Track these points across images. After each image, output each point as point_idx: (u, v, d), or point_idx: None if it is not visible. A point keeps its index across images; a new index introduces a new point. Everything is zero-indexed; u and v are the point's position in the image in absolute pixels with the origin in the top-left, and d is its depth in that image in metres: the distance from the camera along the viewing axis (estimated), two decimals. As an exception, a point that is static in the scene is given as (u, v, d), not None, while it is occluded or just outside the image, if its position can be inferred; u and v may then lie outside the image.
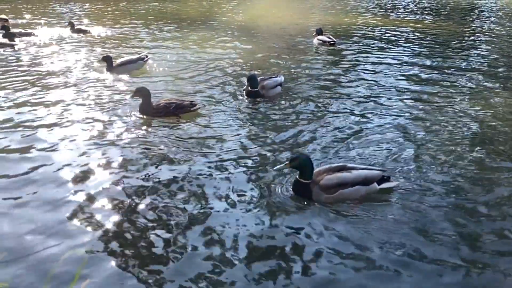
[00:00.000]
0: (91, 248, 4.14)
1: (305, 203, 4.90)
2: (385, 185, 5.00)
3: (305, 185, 4.85)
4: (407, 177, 5.51)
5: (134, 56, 10.95)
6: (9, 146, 6.32)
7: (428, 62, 12.12)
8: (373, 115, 7.86)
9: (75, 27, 16.07)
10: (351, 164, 5.25)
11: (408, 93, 9.25)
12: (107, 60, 10.46)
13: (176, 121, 7.43)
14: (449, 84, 9.94)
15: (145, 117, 7.53)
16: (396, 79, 10.33)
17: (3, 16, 19.07)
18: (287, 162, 5.01)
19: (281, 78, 9.17)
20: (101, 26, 17.77)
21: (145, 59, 10.80)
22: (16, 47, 13.20)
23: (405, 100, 8.73)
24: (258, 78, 8.79)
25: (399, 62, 12.08)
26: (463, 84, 9.98)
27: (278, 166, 5.22)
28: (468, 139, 6.80)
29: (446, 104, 8.50)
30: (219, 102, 8.53)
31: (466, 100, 8.77)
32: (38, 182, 5.30)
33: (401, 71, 11.13)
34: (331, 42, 14.05)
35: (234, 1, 30.13)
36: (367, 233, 4.43)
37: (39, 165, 5.75)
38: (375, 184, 4.92)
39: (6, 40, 13.53)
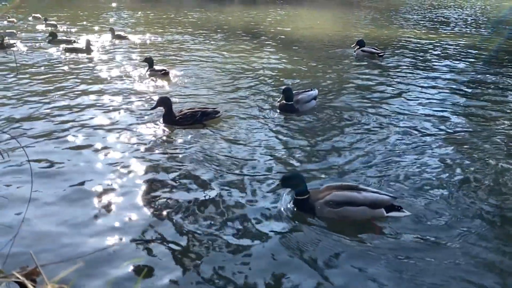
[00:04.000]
0: (149, 257, 4.05)
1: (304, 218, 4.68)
2: (392, 214, 4.72)
3: (304, 201, 4.73)
4: (425, 208, 4.89)
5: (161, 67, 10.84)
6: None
7: (480, 80, 11.14)
8: (414, 136, 7.08)
9: (115, 33, 16.44)
10: (363, 186, 4.97)
11: (456, 113, 8.39)
12: (148, 61, 10.71)
13: (201, 127, 7.23)
14: (503, 104, 9.01)
15: (169, 126, 7.25)
16: (443, 97, 9.47)
17: (53, 21, 19.67)
18: (278, 183, 4.86)
19: (315, 92, 8.63)
20: (141, 33, 18.04)
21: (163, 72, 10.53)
22: (91, 54, 13.45)
23: (452, 121, 7.92)
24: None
25: (448, 78, 11.18)
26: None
27: (272, 188, 5.03)
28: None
29: (497, 127, 7.61)
30: (251, 113, 8.12)
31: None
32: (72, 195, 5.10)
33: (450, 88, 10.22)
34: (380, 54, 13.29)
35: (281, 12, 29.93)
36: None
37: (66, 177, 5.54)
38: (383, 210, 4.68)
39: (82, 46, 13.85)
